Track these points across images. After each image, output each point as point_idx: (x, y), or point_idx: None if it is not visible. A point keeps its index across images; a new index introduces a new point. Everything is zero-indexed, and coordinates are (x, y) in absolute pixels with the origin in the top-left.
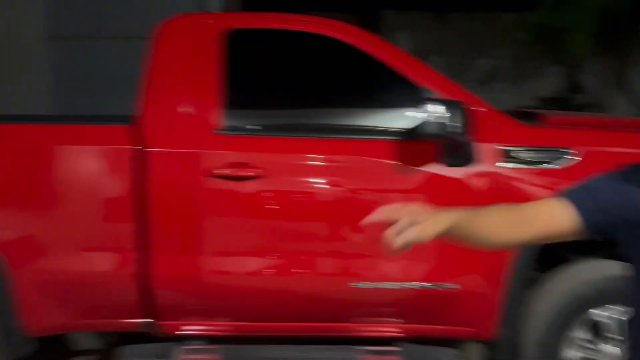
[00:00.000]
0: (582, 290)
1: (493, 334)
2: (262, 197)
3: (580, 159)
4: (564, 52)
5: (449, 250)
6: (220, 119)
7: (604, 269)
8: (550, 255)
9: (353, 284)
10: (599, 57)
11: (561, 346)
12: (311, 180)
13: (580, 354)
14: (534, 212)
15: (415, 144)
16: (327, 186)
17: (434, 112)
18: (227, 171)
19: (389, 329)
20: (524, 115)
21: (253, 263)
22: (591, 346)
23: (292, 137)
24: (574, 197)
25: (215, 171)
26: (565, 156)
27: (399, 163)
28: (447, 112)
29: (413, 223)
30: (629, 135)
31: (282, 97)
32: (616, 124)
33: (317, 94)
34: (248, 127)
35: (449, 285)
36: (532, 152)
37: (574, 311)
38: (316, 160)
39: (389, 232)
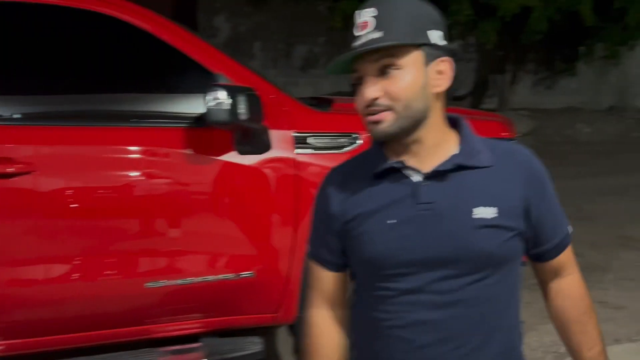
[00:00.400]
0: None
1: (293, 317)
2: (33, 195)
3: (362, 142)
4: None
5: (241, 240)
6: None
7: None
8: None
9: (149, 284)
10: None
11: None
12: (91, 174)
13: None
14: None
15: (207, 132)
16: (111, 180)
17: (221, 98)
18: None
19: (192, 326)
20: (320, 101)
21: (30, 271)
22: None
23: (64, 127)
24: (310, 254)
25: None
26: (354, 141)
27: (190, 151)
28: (234, 98)
29: None
30: None
31: (55, 81)
32: None
33: (97, 78)
34: (8, 116)
35: (244, 274)
36: (326, 137)
37: None
38: (96, 152)
39: None
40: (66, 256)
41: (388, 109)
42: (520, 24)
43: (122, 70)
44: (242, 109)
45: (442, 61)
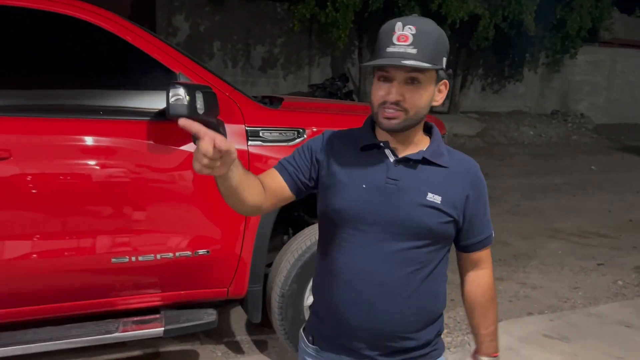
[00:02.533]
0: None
1: (245, 291)
2: (9, 179)
3: (306, 137)
4: (328, 44)
5: (198, 222)
6: None
7: None
8: (295, 219)
9: (116, 260)
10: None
11: (304, 295)
12: (63, 161)
13: None
14: (265, 183)
15: (168, 125)
16: (81, 167)
17: (180, 95)
18: None
19: (152, 299)
20: (272, 100)
21: (7, 248)
22: None
23: (38, 118)
24: (280, 165)
25: None
26: (298, 134)
27: (152, 142)
28: (192, 95)
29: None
30: (342, 117)
31: (29, 77)
32: (339, 108)
33: (65, 75)
34: None
35: (200, 252)
36: (275, 131)
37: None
38: (68, 141)
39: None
40: (39, 234)
41: (403, 110)
42: (470, 31)
43: (91, 69)
44: (200, 105)
45: (444, 83)
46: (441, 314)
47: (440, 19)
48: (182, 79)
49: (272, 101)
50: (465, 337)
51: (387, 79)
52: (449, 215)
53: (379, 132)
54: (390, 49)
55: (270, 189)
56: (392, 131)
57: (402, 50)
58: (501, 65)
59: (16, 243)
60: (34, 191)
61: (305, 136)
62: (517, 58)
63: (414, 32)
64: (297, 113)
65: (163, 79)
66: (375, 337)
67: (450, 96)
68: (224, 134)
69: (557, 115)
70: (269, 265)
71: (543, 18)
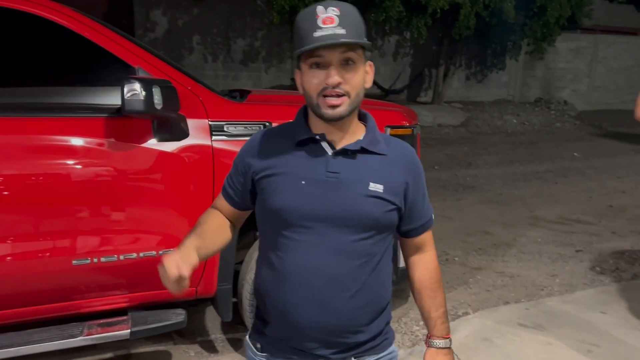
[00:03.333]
0: None
1: (214, 290)
2: None
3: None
4: None
5: (162, 220)
6: None
7: None
8: None
9: (77, 262)
10: None
11: None
12: (18, 161)
13: None
14: (223, 212)
15: (125, 121)
16: (38, 167)
17: (137, 90)
18: None
19: (117, 301)
20: (241, 93)
21: None
22: None
23: None
24: (223, 190)
25: None
26: (264, 128)
27: (111, 139)
28: (149, 90)
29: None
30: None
31: None
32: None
33: (19, 72)
34: None
35: (165, 251)
36: (240, 125)
37: None
38: (23, 140)
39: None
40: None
41: (346, 94)
42: (451, 20)
43: (45, 64)
44: (157, 100)
45: (369, 64)
46: (388, 303)
47: (421, 9)
48: (141, 74)
49: (242, 95)
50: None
51: (321, 65)
52: (392, 203)
53: (314, 124)
54: (318, 33)
55: (229, 216)
56: (339, 119)
57: (330, 32)
58: (484, 54)
59: None
60: None
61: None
62: (500, 47)
63: (337, 13)
64: (262, 106)
65: (121, 74)
66: (328, 334)
67: (434, 86)
68: (185, 129)
69: (541, 103)
70: (240, 262)
71: (523, 6)
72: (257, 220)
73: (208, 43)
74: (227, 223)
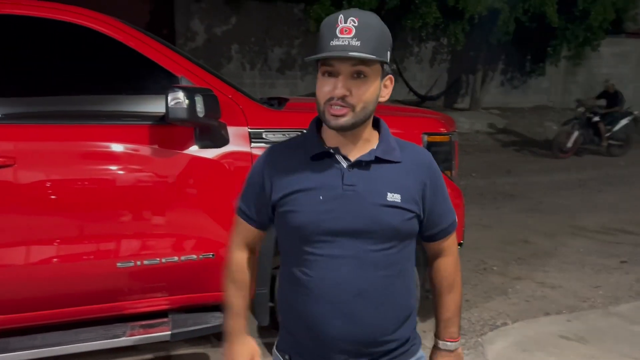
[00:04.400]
0: None
1: (252, 295)
2: (14, 186)
3: None
4: None
5: (202, 225)
6: None
7: None
8: None
9: (121, 264)
10: None
11: None
12: (67, 167)
13: None
14: (246, 238)
15: (169, 129)
16: (85, 172)
17: (181, 98)
18: None
19: (159, 303)
20: (279, 101)
21: (13, 254)
22: None
23: (42, 125)
24: (239, 210)
25: None
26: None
27: (156, 146)
28: (192, 98)
29: None
30: None
31: (31, 85)
32: None
33: (68, 81)
34: None
35: (205, 255)
36: (278, 132)
37: None
38: (71, 147)
39: None
40: (46, 240)
41: (350, 106)
42: (490, 25)
43: (93, 74)
44: (200, 108)
45: (389, 78)
46: (414, 308)
47: (458, 14)
48: (184, 83)
49: (280, 102)
50: (479, 339)
51: (332, 74)
52: (411, 212)
53: (327, 135)
54: (334, 42)
55: (251, 239)
56: (341, 130)
57: (345, 42)
58: (523, 59)
59: (21, 249)
60: (37, 198)
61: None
62: (539, 52)
63: (356, 24)
64: (300, 114)
65: (165, 83)
66: (357, 345)
67: (471, 93)
68: (225, 136)
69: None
70: (277, 268)
71: (565, 10)
72: (278, 236)
73: (246, 52)
74: (252, 257)
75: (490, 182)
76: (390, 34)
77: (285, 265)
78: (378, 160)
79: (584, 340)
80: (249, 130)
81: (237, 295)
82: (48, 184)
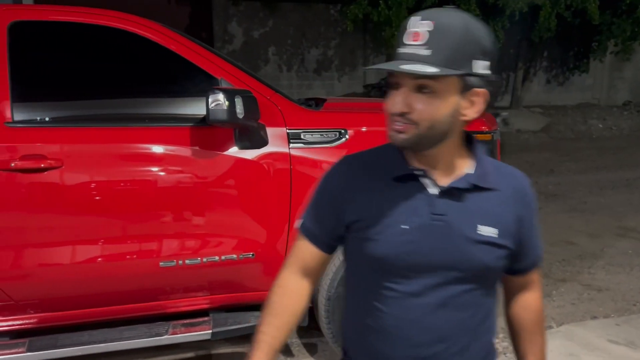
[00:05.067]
0: None
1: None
2: (61, 187)
3: (348, 137)
4: (383, 43)
5: (243, 225)
6: (11, 112)
7: None
8: None
9: (164, 264)
10: None
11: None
12: (111, 168)
13: None
14: (307, 265)
15: (210, 130)
16: (128, 173)
17: (221, 100)
18: (21, 163)
19: (200, 302)
20: (317, 101)
21: (59, 253)
22: None
23: (87, 128)
24: (303, 228)
25: (10, 164)
26: (340, 135)
27: (196, 148)
28: (232, 100)
29: None
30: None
31: (77, 88)
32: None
33: (112, 85)
34: (41, 119)
35: (245, 255)
36: (317, 133)
37: None
38: (114, 149)
39: None
40: (91, 240)
41: (412, 123)
42: (531, 22)
43: (136, 77)
44: (239, 109)
45: (477, 92)
46: (494, 343)
47: (498, 11)
48: (223, 84)
49: (317, 103)
50: None
51: (397, 85)
52: (507, 248)
53: (408, 154)
54: (401, 50)
55: (313, 265)
56: (402, 147)
57: (412, 51)
58: (566, 56)
59: (67, 249)
60: (84, 199)
61: (347, 137)
62: (583, 48)
63: (430, 28)
64: (338, 114)
65: (205, 85)
66: None
67: (512, 91)
68: (264, 137)
69: (630, 106)
70: None
71: (611, 4)
72: (348, 262)
73: (283, 53)
74: (306, 287)
75: (533, 182)
76: (483, 36)
77: (354, 295)
78: (474, 187)
79: (634, 345)
80: (288, 131)
81: (273, 324)
82: (93, 185)
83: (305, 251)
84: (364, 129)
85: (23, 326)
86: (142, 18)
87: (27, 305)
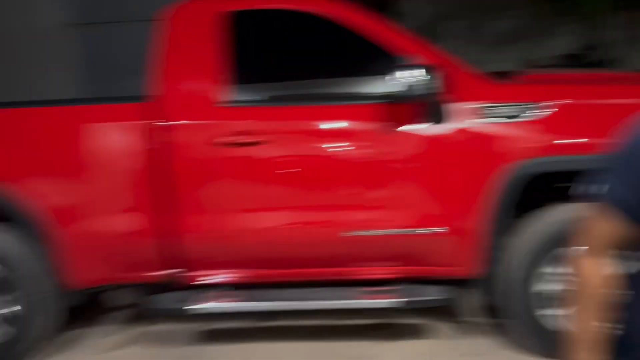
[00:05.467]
0: (550, 231)
1: (477, 272)
2: (267, 160)
3: (551, 111)
4: (577, 9)
5: (430, 199)
6: (227, 93)
7: (568, 212)
8: (526, 201)
9: (354, 233)
10: (621, 11)
11: (531, 281)
12: (307, 142)
13: (547, 287)
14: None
15: (396, 107)
16: (320, 148)
17: (409, 76)
18: (234, 138)
19: (383, 271)
20: (506, 75)
21: (262, 219)
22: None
23: (288, 106)
24: (613, 199)
25: (224, 139)
26: (534, 109)
27: (385, 124)
28: (420, 76)
29: None
30: (590, 88)
31: (280, 70)
32: (587, 79)
33: (310, 67)
34: (252, 99)
35: (437, 229)
36: (505, 107)
37: (544, 249)
38: (312, 126)
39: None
40: (286, 208)
41: None
42: None
43: (332, 58)
44: (428, 85)
45: None
46: None
47: None
48: (412, 61)
49: (508, 76)
50: None
51: None
52: None
53: None
54: None
55: (619, 241)
56: None
57: None
58: None
59: (270, 215)
60: (283, 171)
61: (538, 111)
62: None
63: None
64: (531, 86)
65: (394, 63)
66: None
67: None
68: (453, 112)
69: None
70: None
71: None
72: None
73: (462, 26)
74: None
75: None
76: None
77: None
78: None
79: None
80: (475, 105)
81: (592, 321)
82: (291, 159)
83: (609, 227)
84: (560, 102)
85: (233, 280)
86: (335, 2)
87: (239, 262)
